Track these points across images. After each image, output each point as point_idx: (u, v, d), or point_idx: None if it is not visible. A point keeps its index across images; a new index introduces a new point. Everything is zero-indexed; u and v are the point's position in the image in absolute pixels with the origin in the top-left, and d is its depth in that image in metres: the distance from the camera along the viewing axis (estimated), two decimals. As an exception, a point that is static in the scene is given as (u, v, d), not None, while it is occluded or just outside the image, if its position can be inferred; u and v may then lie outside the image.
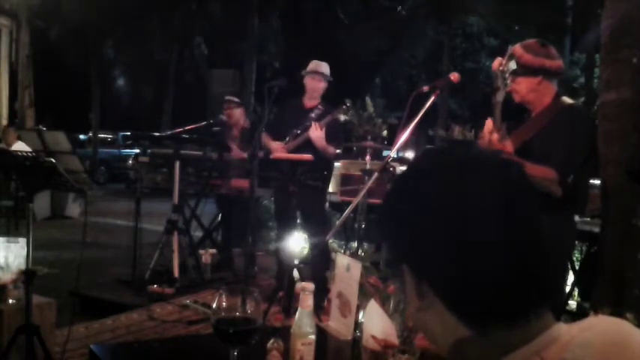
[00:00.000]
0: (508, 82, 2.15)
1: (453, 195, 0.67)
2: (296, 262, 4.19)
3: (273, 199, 4.67)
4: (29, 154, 2.49)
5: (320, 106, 4.10)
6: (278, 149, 4.08)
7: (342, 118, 4.02)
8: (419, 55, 18.81)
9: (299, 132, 4.03)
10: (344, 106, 4.02)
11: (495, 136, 2.13)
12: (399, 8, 16.75)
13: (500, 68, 2.16)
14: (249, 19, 12.85)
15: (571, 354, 0.63)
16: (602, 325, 0.68)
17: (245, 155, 4.85)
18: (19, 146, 5.96)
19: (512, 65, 2.16)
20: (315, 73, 4.11)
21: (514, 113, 2.46)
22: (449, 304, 0.67)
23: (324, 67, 4.16)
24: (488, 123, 2.17)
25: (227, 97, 5.39)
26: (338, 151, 4.08)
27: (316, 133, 3.93)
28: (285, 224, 4.14)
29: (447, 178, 0.69)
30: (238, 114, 5.24)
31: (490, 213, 0.65)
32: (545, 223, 0.68)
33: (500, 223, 0.65)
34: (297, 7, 15.79)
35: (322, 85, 4.13)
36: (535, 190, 0.71)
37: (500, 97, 2.16)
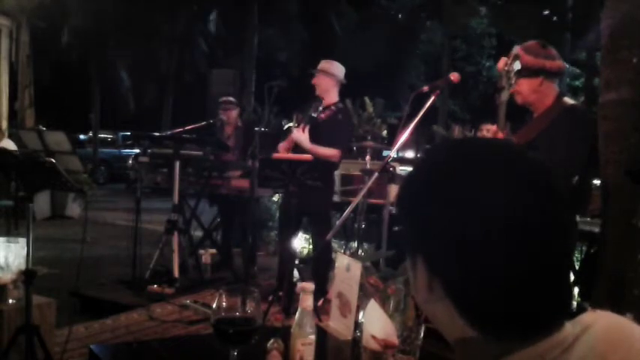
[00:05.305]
0: (513, 82, 2.15)
1: (478, 196, 0.63)
2: (297, 262, 4.19)
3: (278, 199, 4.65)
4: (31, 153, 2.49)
5: (332, 107, 4.06)
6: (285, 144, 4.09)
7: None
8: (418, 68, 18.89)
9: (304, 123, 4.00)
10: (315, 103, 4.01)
11: (500, 135, 2.13)
12: (397, 13, 16.77)
13: (505, 68, 2.16)
14: (249, 20, 12.86)
15: (574, 357, 0.63)
16: (601, 321, 0.67)
17: (233, 158, 5.00)
18: (7, 144, 5.96)
19: (517, 65, 2.16)
20: (317, 70, 4.11)
21: (517, 114, 2.46)
22: (459, 306, 0.65)
23: (326, 65, 4.12)
24: (493, 127, 2.18)
25: (223, 99, 5.42)
26: (335, 151, 4.00)
27: (297, 135, 3.90)
28: (288, 225, 4.12)
29: (476, 177, 0.64)
30: (235, 114, 5.35)
31: (516, 217, 0.62)
32: (574, 232, 0.65)
33: (526, 229, 0.62)
34: (299, 12, 15.82)
35: (323, 82, 4.06)
36: (563, 194, 0.66)
37: (504, 97, 2.16)
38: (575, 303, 3.82)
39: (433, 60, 18.76)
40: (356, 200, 2.59)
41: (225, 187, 4.85)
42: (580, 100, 13.43)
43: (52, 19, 11.93)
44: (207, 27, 16.24)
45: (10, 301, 2.65)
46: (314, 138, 3.93)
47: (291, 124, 4.28)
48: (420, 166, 0.73)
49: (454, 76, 2.57)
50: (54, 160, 2.34)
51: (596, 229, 3.23)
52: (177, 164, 4.30)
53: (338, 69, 4.13)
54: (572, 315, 0.67)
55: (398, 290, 1.31)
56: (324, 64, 4.14)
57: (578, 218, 2.43)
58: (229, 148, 5.01)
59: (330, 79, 4.08)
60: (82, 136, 18.91)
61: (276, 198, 6.38)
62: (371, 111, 8.45)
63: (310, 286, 1.31)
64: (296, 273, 3.94)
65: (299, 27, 16.29)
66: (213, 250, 5.01)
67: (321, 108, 4.03)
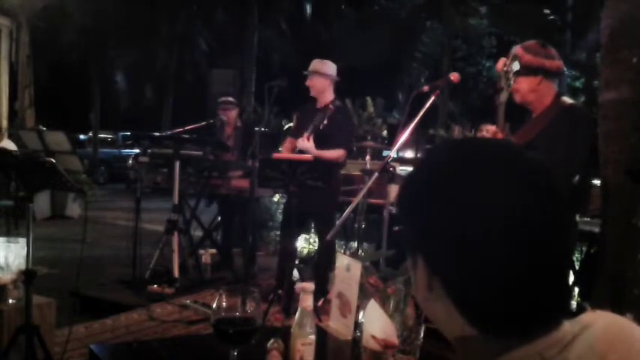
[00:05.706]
0: (511, 82, 2.16)
1: (478, 196, 0.63)
2: (297, 262, 4.19)
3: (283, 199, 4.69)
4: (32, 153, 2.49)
5: (331, 106, 4.04)
6: (288, 146, 4.19)
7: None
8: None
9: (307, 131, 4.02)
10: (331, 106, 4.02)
11: (500, 136, 2.13)
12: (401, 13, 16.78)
13: (505, 69, 2.17)
14: (249, 20, 12.87)
15: (573, 355, 0.63)
16: (601, 321, 0.67)
17: (233, 158, 5.06)
18: (7, 144, 5.96)
19: (516, 66, 2.17)
20: (310, 72, 4.09)
21: (516, 114, 2.46)
22: (459, 305, 0.66)
23: (319, 65, 4.09)
24: (492, 127, 2.18)
25: (223, 99, 5.43)
26: (341, 152, 4.02)
27: (303, 144, 3.92)
28: (288, 224, 4.13)
29: (476, 177, 0.65)
30: (235, 114, 5.37)
31: (516, 217, 0.62)
32: (574, 232, 0.65)
33: (526, 229, 0.62)
34: (299, 12, 15.84)
35: (318, 84, 4.04)
36: (562, 194, 0.66)
37: (503, 97, 2.17)
38: (575, 303, 3.82)
39: (433, 60, 18.75)
40: (356, 200, 2.59)
41: (225, 187, 4.85)
42: (580, 100, 13.43)
43: (52, 19, 11.94)
44: (214, 22, 16.18)
45: (10, 301, 2.65)
46: (318, 142, 3.92)
47: (291, 124, 4.29)
48: (420, 166, 0.74)
49: (454, 76, 2.56)
50: (54, 160, 2.34)
51: (596, 229, 3.23)
52: (177, 164, 4.30)
53: (331, 68, 4.10)
54: (572, 315, 0.67)
55: (398, 290, 1.31)
56: (316, 65, 4.09)
57: (578, 218, 2.43)
58: (229, 148, 5.01)
59: (324, 79, 4.05)
60: (82, 136, 18.91)
61: (276, 198, 6.39)
62: (371, 111, 8.45)
63: (310, 286, 1.31)
64: (296, 273, 3.95)
65: (299, 27, 16.30)
66: (213, 250, 5.01)
67: (325, 121, 4.01)
